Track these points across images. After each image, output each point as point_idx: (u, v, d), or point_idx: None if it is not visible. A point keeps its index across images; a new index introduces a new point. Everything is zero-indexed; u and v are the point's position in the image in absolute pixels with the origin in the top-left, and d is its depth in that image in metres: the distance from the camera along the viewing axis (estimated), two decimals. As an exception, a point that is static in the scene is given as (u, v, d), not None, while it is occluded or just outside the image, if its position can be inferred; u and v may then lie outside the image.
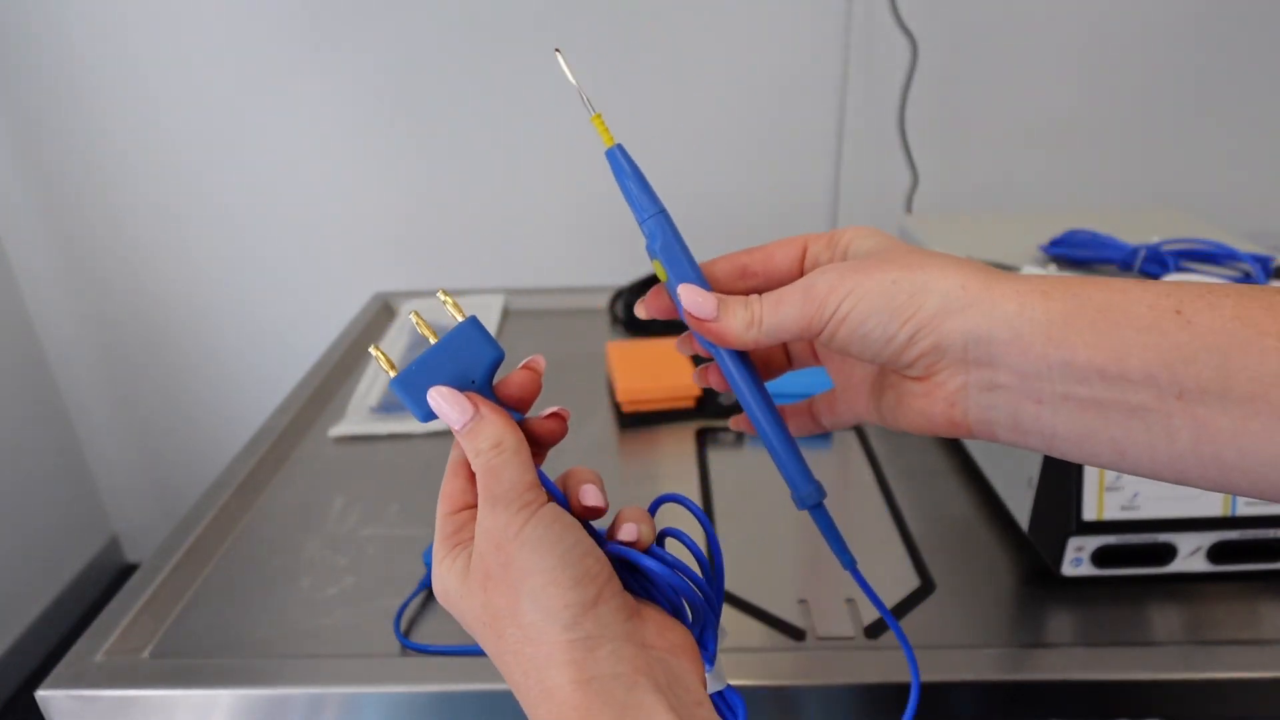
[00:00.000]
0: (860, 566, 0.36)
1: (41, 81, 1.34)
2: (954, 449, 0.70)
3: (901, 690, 0.46)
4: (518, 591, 0.29)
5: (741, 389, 0.34)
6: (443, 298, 0.35)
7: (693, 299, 0.32)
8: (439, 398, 0.32)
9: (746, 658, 0.48)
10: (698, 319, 0.32)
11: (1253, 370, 0.23)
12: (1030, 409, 0.27)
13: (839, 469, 0.68)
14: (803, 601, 0.53)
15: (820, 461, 0.69)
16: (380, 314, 1.04)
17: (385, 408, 0.80)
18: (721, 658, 0.35)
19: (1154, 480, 0.33)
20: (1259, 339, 0.23)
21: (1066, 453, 0.27)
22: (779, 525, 0.61)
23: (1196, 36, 1.24)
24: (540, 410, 0.34)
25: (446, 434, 0.77)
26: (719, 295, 0.32)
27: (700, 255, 0.36)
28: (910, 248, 0.31)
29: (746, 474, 0.68)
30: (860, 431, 0.73)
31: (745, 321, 0.31)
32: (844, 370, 0.35)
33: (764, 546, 0.59)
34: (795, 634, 0.50)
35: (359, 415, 0.79)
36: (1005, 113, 1.30)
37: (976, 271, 0.28)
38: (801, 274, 0.33)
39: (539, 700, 0.28)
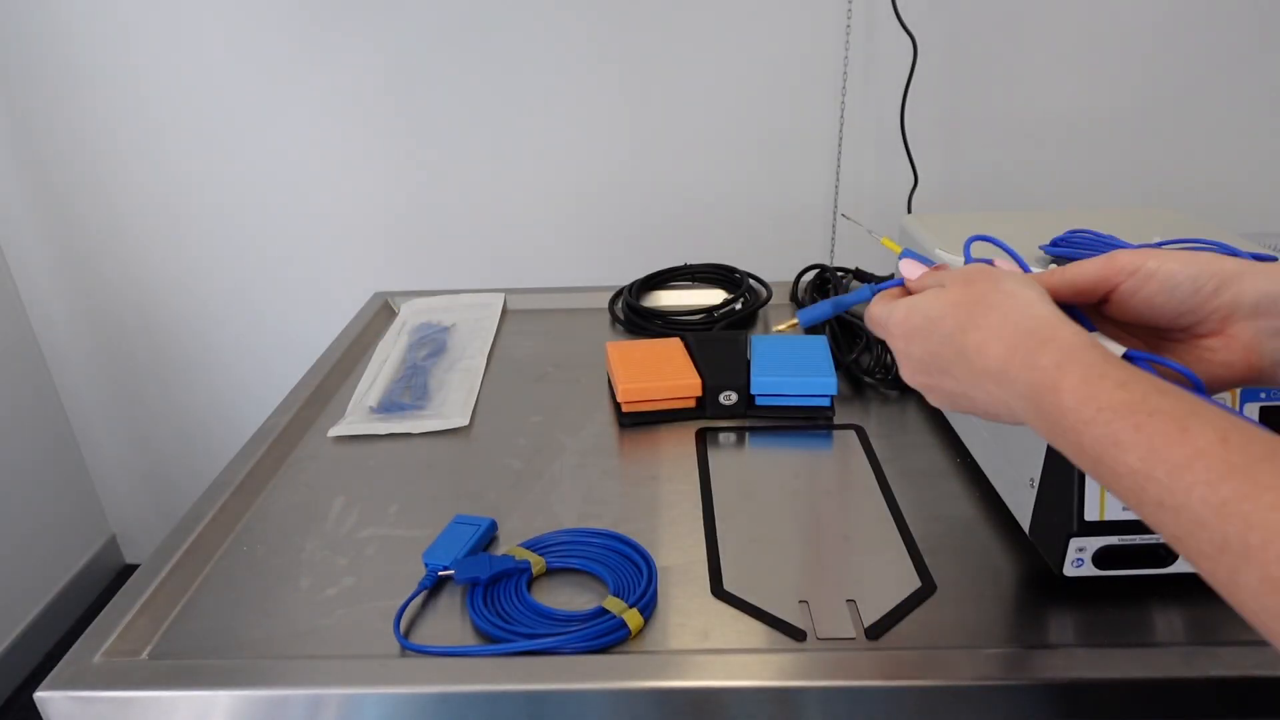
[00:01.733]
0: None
1: (40, 81, 1.34)
2: (955, 449, 0.70)
3: (902, 691, 0.46)
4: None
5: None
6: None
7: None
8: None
9: (746, 658, 0.48)
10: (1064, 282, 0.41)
11: None
12: None
13: (839, 468, 0.68)
14: (803, 602, 0.53)
15: (821, 461, 0.69)
16: (380, 314, 1.03)
17: (385, 408, 0.80)
18: None
19: None
20: None
21: None
22: (779, 525, 0.61)
23: (1196, 36, 1.24)
24: None
25: (446, 434, 0.77)
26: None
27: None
28: None
29: (746, 474, 0.68)
30: (860, 432, 0.73)
31: (1061, 278, 0.40)
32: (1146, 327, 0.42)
33: (764, 546, 0.59)
34: (796, 634, 0.50)
35: (358, 415, 0.79)
36: (1005, 113, 1.30)
37: (1263, 263, 0.37)
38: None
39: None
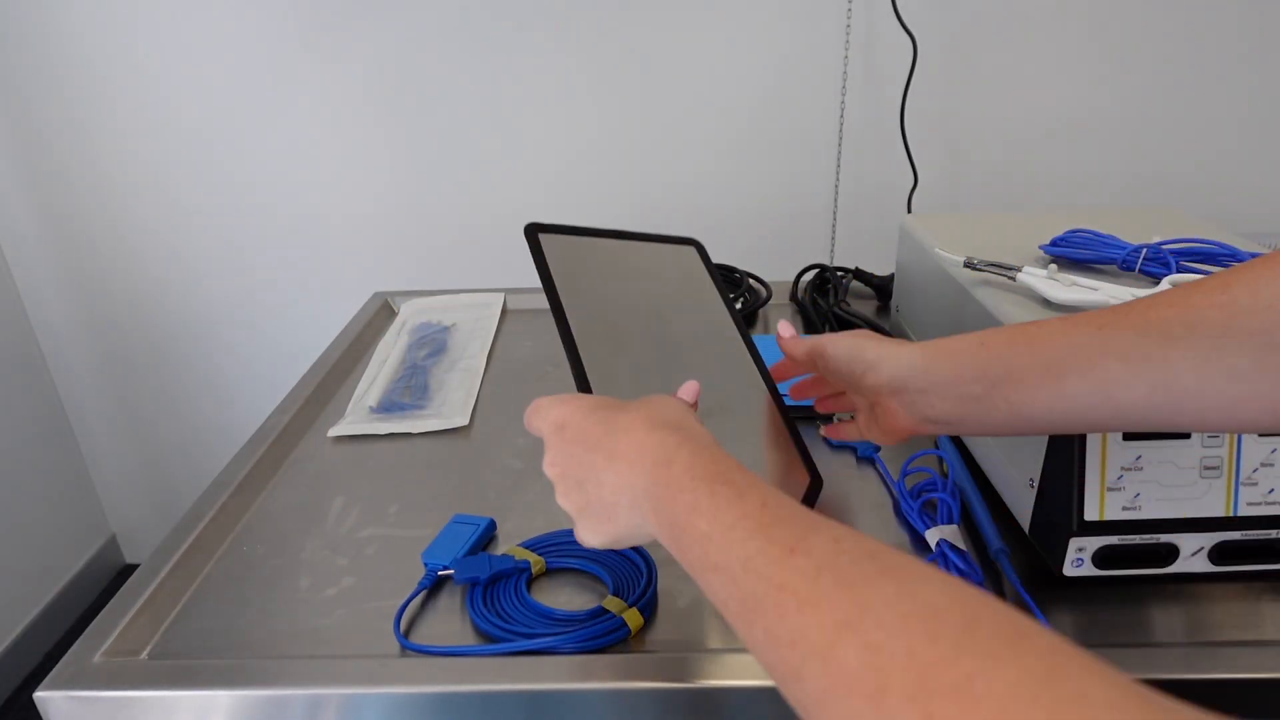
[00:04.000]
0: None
1: (40, 82, 1.34)
2: (955, 449, 0.69)
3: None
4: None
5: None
6: None
7: (785, 334, 0.58)
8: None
9: (746, 658, 0.48)
10: (788, 345, 0.57)
11: (1017, 364, 0.43)
12: (937, 410, 0.47)
13: (839, 468, 0.68)
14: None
15: (821, 459, 0.69)
16: (380, 314, 1.03)
17: (384, 408, 0.80)
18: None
19: (1006, 435, 0.57)
20: (1016, 346, 0.44)
21: (962, 430, 0.48)
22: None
23: (1196, 36, 1.24)
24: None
25: (446, 435, 0.76)
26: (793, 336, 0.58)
27: None
28: (874, 335, 0.53)
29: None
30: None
31: (799, 346, 0.56)
32: (856, 407, 0.57)
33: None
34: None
35: (358, 415, 0.79)
36: (1005, 113, 1.30)
37: (893, 343, 0.50)
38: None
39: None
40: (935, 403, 0.47)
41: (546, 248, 0.56)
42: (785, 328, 0.58)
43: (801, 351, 0.55)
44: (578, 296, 0.55)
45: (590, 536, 0.43)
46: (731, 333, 0.64)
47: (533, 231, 0.56)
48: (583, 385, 0.50)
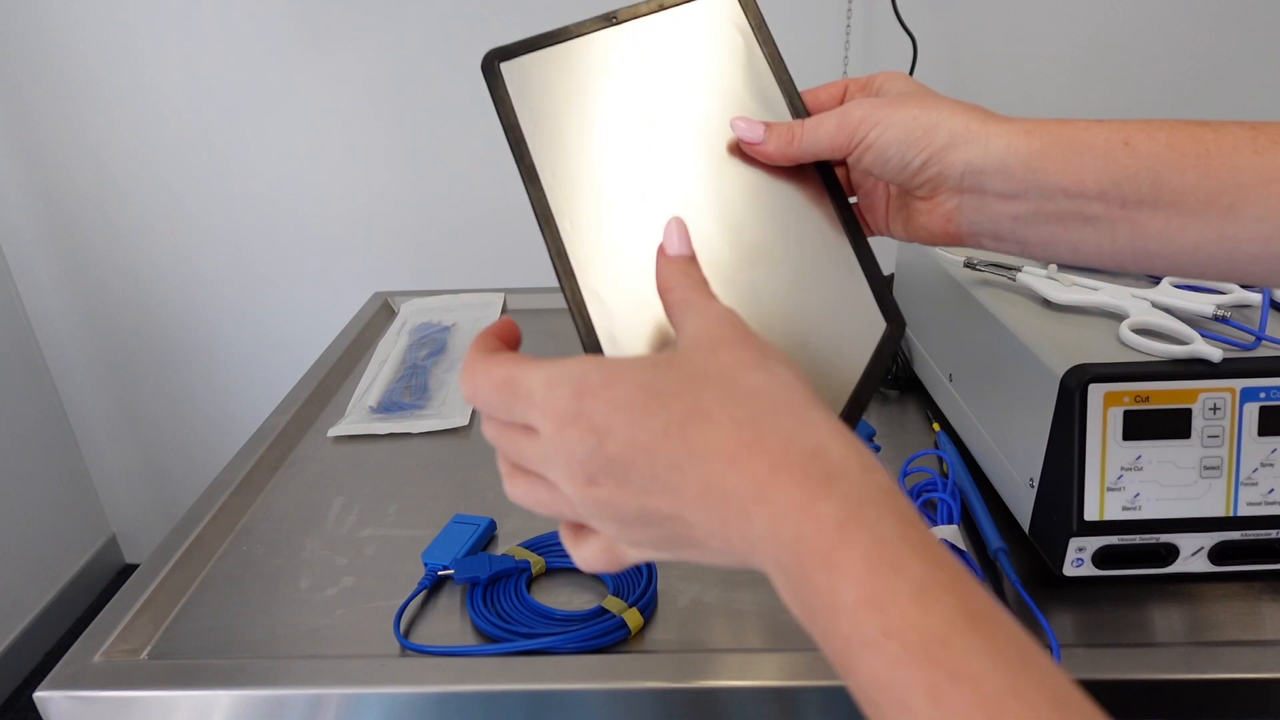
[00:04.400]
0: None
1: (40, 82, 1.34)
2: (955, 449, 0.69)
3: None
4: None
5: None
6: None
7: (743, 127, 0.38)
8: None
9: (746, 658, 0.48)
10: (749, 143, 0.38)
11: (1175, 183, 0.32)
12: (1008, 224, 0.35)
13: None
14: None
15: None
16: (380, 314, 1.03)
17: (384, 408, 0.80)
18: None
19: (1095, 268, 0.44)
20: (1180, 159, 0.32)
21: (1034, 254, 0.36)
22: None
23: (1196, 36, 1.24)
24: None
25: (446, 434, 0.76)
26: (765, 121, 0.39)
27: None
28: (931, 91, 0.38)
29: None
30: (863, 431, 0.73)
31: (786, 140, 0.38)
32: (868, 190, 0.41)
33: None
34: (795, 635, 0.50)
35: (358, 415, 0.79)
36: (1005, 112, 1.30)
37: (979, 113, 0.35)
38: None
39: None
40: (1023, 214, 0.34)
41: (512, 84, 0.42)
42: (743, 124, 0.39)
43: (826, 145, 0.37)
44: (550, 146, 0.40)
45: (635, 554, 0.29)
46: (780, 108, 0.42)
47: (492, 63, 0.43)
48: (590, 340, 0.36)
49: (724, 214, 0.39)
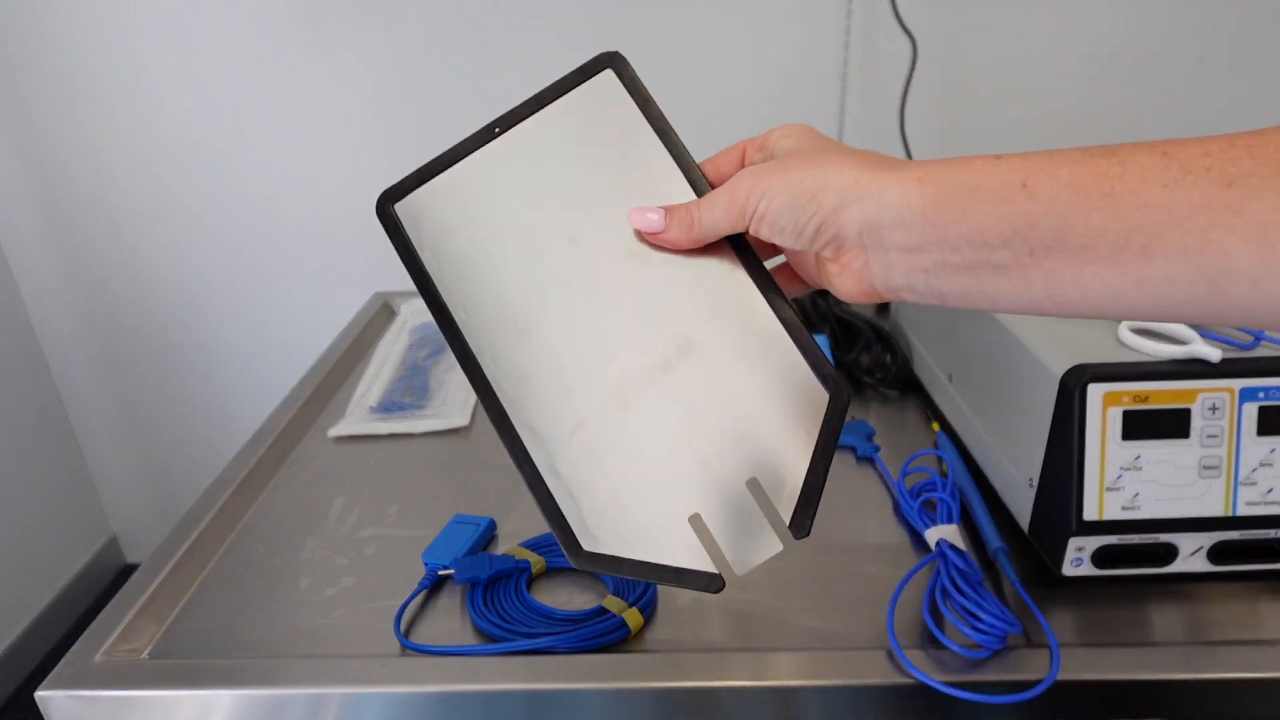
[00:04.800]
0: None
1: (41, 81, 1.34)
2: (955, 449, 0.70)
3: (900, 690, 0.46)
4: None
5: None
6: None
7: (642, 218, 0.38)
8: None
9: (746, 658, 0.48)
10: (651, 234, 0.38)
11: (1081, 227, 0.29)
12: (920, 277, 0.32)
13: (837, 467, 0.68)
14: (803, 601, 0.53)
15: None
16: (380, 314, 1.03)
17: (385, 408, 0.80)
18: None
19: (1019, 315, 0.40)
20: (1084, 200, 0.29)
21: (955, 305, 0.33)
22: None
23: (1196, 37, 1.24)
24: None
25: (446, 434, 0.77)
26: (665, 208, 0.38)
27: None
28: (823, 145, 0.36)
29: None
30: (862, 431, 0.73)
31: (686, 225, 0.37)
32: (789, 250, 0.39)
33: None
34: (795, 635, 0.50)
35: (358, 415, 0.79)
36: (1005, 113, 1.30)
37: (868, 164, 0.33)
38: None
39: None
40: (930, 266, 0.32)
41: (409, 224, 0.42)
42: (641, 215, 0.39)
43: (724, 225, 0.37)
44: (457, 280, 0.40)
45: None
46: (680, 186, 0.41)
47: (385, 206, 0.43)
48: (490, 404, 0.37)
49: (642, 311, 0.38)
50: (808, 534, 0.34)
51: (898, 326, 0.87)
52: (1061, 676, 0.46)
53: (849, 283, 0.35)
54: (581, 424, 0.37)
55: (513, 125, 0.42)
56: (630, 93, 0.42)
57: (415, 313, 1.02)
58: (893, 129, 1.29)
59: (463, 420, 0.78)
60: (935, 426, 0.71)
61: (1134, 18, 1.23)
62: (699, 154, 0.42)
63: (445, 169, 0.43)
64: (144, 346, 1.55)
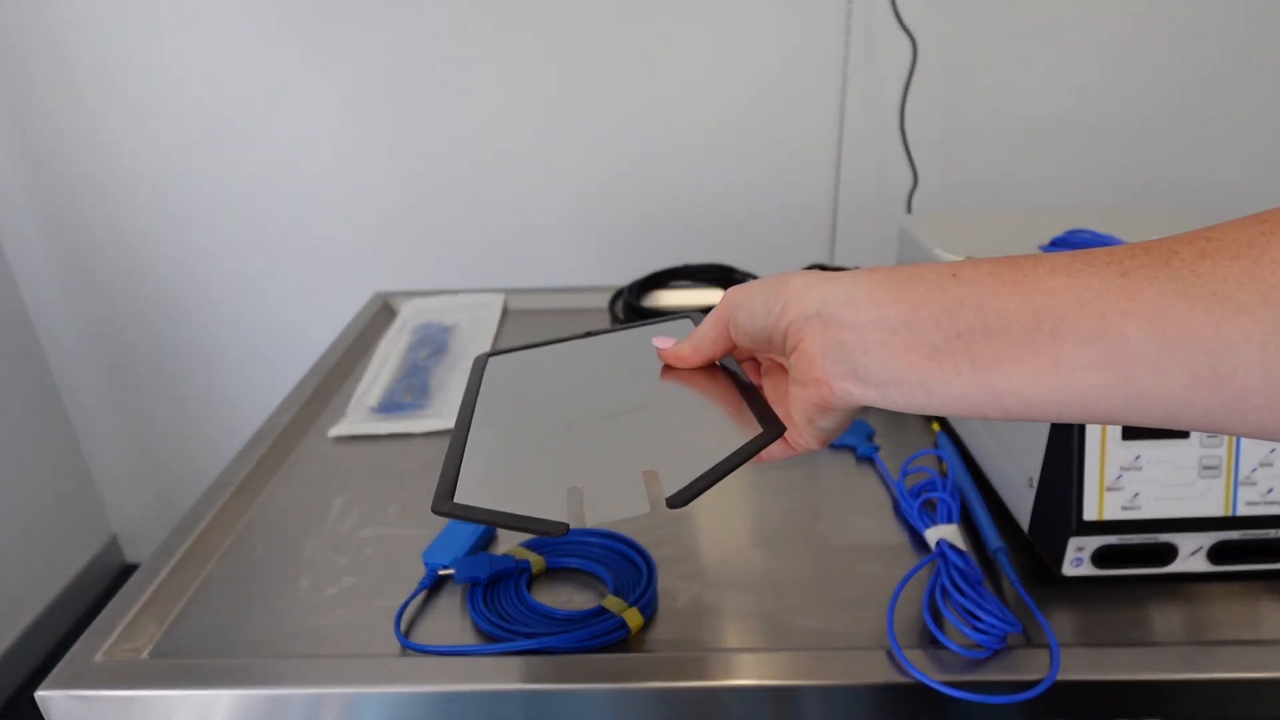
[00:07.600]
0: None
1: (40, 81, 1.34)
2: (955, 449, 0.70)
3: (900, 689, 0.46)
4: None
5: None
6: None
7: (663, 347, 0.45)
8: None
9: (746, 658, 0.48)
10: (666, 352, 0.44)
11: (998, 308, 0.31)
12: (862, 360, 0.34)
13: (838, 467, 0.68)
14: (803, 601, 0.53)
15: (820, 458, 0.69)
16: (380, 314, 1.03)
17: (385, 408, 0.80)
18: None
19: (955, 416, 0.43)
20: (1001, 285, 0.31)
21: (892, 399, 0.34)
22: (779, 524, 0.61)
23: (1196, 36, 1.24)
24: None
25: (446, 435, 0.77)
26: (679, 339, 0.45)
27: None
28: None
29: (746, 470, 0.68)
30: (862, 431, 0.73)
31: (691, 346, 0.43)
32: (773, 384, 0.43)
33: (763, 546, 0.59)
34: (795, 635, 0.50)
35: (359, 415, 0.79)
36: (1005, 113, 1.30)
37: (827, 274, 0.37)
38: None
39: None
40: (872, 346, 0.34)
41: (489, 370, 0.49)
42: (665, 341, 0.45)
43: (713, 335, 0.42)
44: (493, 408, 0.45)
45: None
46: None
47: (482, 359, 0.50)
48: (450, 469, 0.40)
49: (626, 404, 0.42)
50: (682, 505, 0.35)
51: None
52: (1061, 676, 0.46)
53: (809, 385, 0.37)
54: (525, 432, 0.42)
55: (601, 334, 0.51)
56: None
57: (415, 313, 1.02)
58: (893, 129, 1.29)
59: (463, 420, 0.78)
60: (935, 426, 0.71)
61: (1134, 17, 1.23)
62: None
63: (536, 347, 0.51)
64: (144, 346, 1.55)
